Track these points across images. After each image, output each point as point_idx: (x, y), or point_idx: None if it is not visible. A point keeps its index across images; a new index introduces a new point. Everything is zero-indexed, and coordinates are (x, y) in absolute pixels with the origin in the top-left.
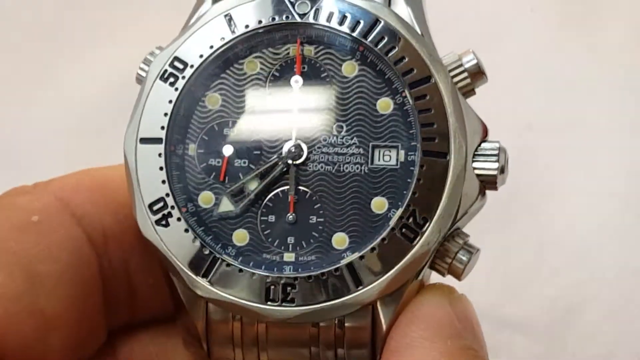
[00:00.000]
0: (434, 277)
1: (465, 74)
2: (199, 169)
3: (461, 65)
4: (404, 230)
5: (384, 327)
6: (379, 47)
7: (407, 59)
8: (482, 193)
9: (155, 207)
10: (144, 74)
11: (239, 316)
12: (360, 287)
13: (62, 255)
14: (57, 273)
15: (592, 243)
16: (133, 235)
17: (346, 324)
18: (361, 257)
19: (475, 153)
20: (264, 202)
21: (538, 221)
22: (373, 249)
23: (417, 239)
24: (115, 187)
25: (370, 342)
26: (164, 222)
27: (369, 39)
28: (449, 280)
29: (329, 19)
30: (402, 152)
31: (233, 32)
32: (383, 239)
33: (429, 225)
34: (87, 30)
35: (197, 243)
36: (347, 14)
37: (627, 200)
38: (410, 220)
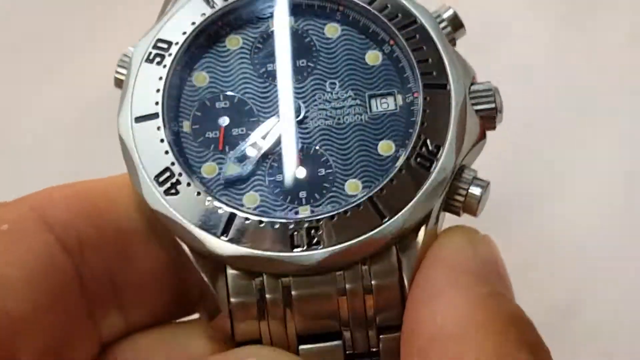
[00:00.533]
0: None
1: (445, 23)
2: (196, 144)
3: (439, 14)
4: (418, 159)
5: (409, 272)
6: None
7: (390, 7)
8: (482, 131)
9: (161, 178)
10: (124, 71)
11: (262, 292)
12: (386, 220)
13: (31, 260)
14: (25, 277)
15: (592, 243)
16: (114, 241)
17: (372, 271)
18: (381, 190)
19: (470, 91)
20: (269, 162)
21: (538, 221)
22: (391, 180)
23: (434, 165)
24: (93, 195)
25: (398, 287)
26: (173, 191)
27: None
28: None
29: None
30: (399, 97)
31: (212, 7)
32: (400, 170)
33: (442, 152)
34: (87, 31)
35: (212, 203)
36: None
37: (627, 200)
38: (424, 149)
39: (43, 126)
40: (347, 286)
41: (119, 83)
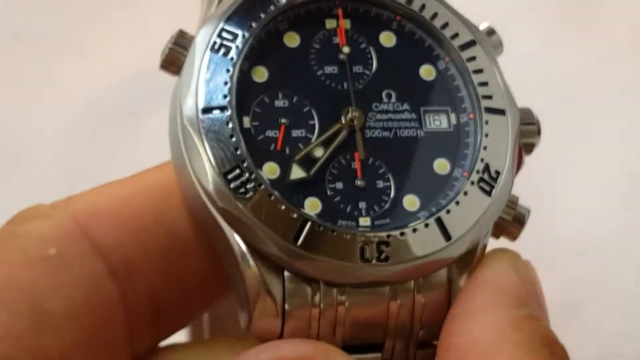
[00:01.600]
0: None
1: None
2: (257, 141)
3: (485, 32)
4: (481, 183)
5: (457, 291)
6: (422, 12)
7: (451, 24)
8: (522, 155)
9: (230, 176)
10: (176, 56)
11: (318, 297)
12: (451, 240)
13: (76, 292)
14: (67, 312)
15: (592, 242)
16: (158, 259)
17: (423, 300)
18: (448, 211)
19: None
20: (329, 169)
21: (538, 220)
22: (457, 202)
23: (494, 191)
24: (136, 209)
25: (446, 304)
26: (242, 190)
27: (412, 6)
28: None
29: None
30: (452, 115)
31: (277, 3)
32: (465, 193)
33: (501, 177)
34: (87, 30)
35: (284, 207)
36: None
37: (627, 200)
38: (485, 174)
39: (43, 126)
40: (399, 300)
41: (172, 61)
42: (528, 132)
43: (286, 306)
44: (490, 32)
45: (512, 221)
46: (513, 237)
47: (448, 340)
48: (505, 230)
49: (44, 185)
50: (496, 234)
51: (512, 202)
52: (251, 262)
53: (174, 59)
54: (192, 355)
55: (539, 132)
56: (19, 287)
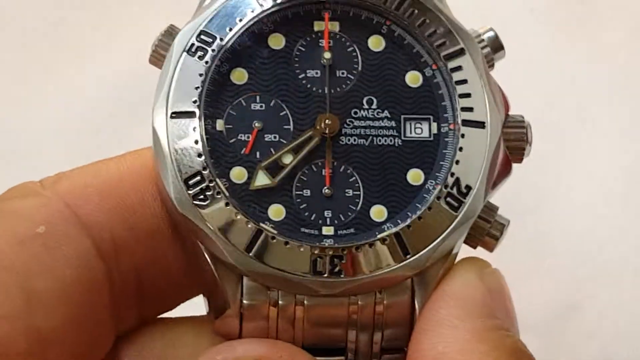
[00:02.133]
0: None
1: (488, 48)
2: (228, 144)
3: (479, 34)
4: (448, 199)
5: (421, 301)
6: (410, 19)
7: (439, 32)
8: (509, 166)
9: (191, 182)
10: (162, 52)
11: (275, 298)
12: (409, 256)
13: (65, 271)
14: (58, 290)
15: (592, 242)
16: (144, 240)
17: (385, 302)
18: (408, 227)
19: (504, 125)
20: (298, 176)
21: (538, 220)
22: (419, 217)
23: (462, 207)
24: (125, 189)
25: (409, 323)
26: (201, 197)
27: (401, 11)
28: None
29: None
30: (434, 125)
31: (261, 5)
32: (429, 208)
33: (472, 193)
34: (87, 30)
35: (239, 217)
36: None
37: (627, 200)
38: (454, 189)
39: (43, 126)
40: (360, 303)
41: (155, 62)
42: (517, 141)
43: (243, 304)
44: (491, 35)
45: (489, 232)
46: (489, 248)
47: (415, 354)
48: (482, 241)
49: None
50: (472, 244)
51: (491, 213)
52: (211, 265)
53: (159, 55)
54: (168, 336)
55: (529, 141)
56: (8, 266)
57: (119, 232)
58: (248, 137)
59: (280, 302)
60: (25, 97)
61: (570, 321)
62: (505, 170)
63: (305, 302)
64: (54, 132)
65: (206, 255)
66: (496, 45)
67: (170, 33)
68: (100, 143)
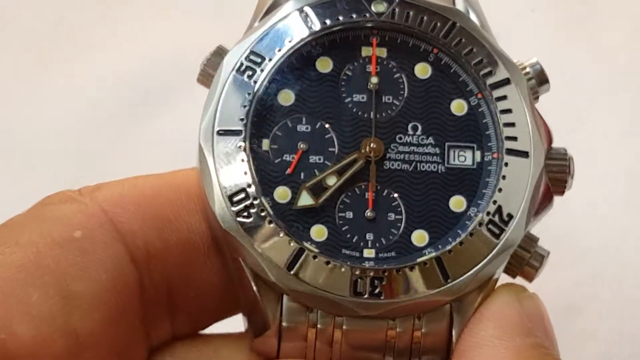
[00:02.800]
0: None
1: (533, 81)
2: (273, 164)
3: (525, 66)
4: (490, 226)
5: (459, 328)
6: (457, 47)
7: (485, 61)
8: (551, 197)
9: (236, 198)
10: (211, 71)
11: (314, 320)
12: (449, 281)
13: (101, 275)
14: (94, 293)
15: (592, 242)
16: (177, 252)
17: (423, 329)
18: (449, 251)
19: (547, 157)
20: (341, 198)
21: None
22: (461, 243)
23: (503, 234)
24: (161, 202)
25: (446, 350)
26: (245, 214)
27: (448, 40)
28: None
29: (406, 20)
30: (477, 153)
31: (310, 28)
32: (470, 234)
33: (513, 222)
34: (87, 30)
35: (282, 235)
36: (424, 16)
37: (627, 200)
38: (496, 216)
39: (44, 126)
40: (398, 329)
41: (203, 81)
42: (559, 173)
43: (282, 324)
44: (536, 68)
45: (529, 262)
46: (529, 278)
47: None
48: (522, 270)
49: (45, 185)
50: (512, 274)
51: (531, 243)
52: (252, 282)
53: (208, 75)
54: (205, 351)
55: (571, 174)
56: (46, 268)
57: (152, 241)
58: (293, 158)
59: (319, 324)
60: (25, 97)
61: (570, 321)
62: (547, 202)
63: (344, 324)
64: (54, 132)
65: (247, 273)
66: (541, 79)
67: (219, 53)
68: (100, 143)
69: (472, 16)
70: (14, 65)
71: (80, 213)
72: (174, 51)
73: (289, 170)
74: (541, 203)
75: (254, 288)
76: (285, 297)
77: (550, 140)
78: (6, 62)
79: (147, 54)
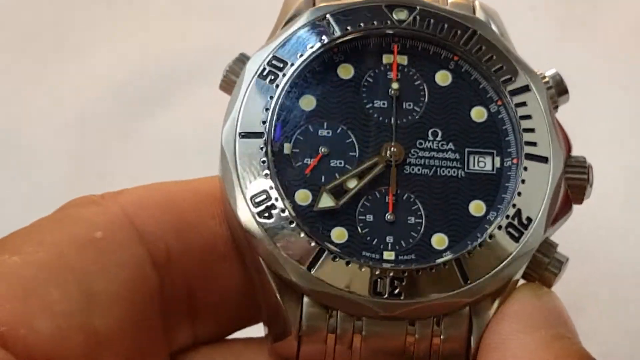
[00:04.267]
0: None
1: (550, 85)
2: (294, 167)
3: (545, 76)
4: (509, 229)
5: (478, 332)
6: (477, 55)
7: (505, 68)
8: (570, 205)
9: (257, 199)
10: (233, 77)
11: (334, 324)
12: (469, 282)
13: (121, 274)
14: (114, 292)
15: (593, 242)
16: (198, 256)
17: (442, 335)
18: (469, 253)
19: (566, 165)
20: (362, 201)
21: None
22: (480, 245)
23: (522, 237)
24: (183, 206)
25: (465, 355)
26: (266, 214)
27: (469, 47)
28: None
29: (427, 27)
30: (497, 159)
31: (331, 34)
32: (490, 236)
33: (533, 225)
34: (86, 30)
35: (303, 235)
36: (445, 24)
37: (627, 200)
38: (516, 220)
39: (43, 126)
40: (417, 335)
41: (226, 87)
42: (578, 181)
43: (302, 329)
44: (556, 78)
45: (547, 267)
46: (548, 283)
47: None
48: (540, 275)
49: (44, 184)
50: (531, 279)
51: (550, 249)
52: (272, 284)
53: (230, 81)
54: (227, 355)
55: (590, 182)
56: (68, 267)
57: (173, 245)
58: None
59: (338, 328)
60: (24, 97)
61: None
62: (566, 209)
63: (363, 329)
64: (52, 131)
65: (268, 274)
66: (561, 88)
67: (242, 60)
68: (99, 142)
69: (492, 26)
70: (13, 64)
71: (102, 215)
72: (173, 51)
73: (306, 171)
74: (560, 210)
75: (275, 289)
76: (305, 301)
77: (569, 148)
78: (6, 61)
79: (147, 54)
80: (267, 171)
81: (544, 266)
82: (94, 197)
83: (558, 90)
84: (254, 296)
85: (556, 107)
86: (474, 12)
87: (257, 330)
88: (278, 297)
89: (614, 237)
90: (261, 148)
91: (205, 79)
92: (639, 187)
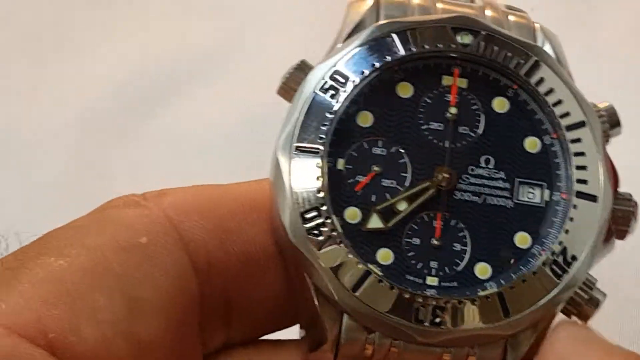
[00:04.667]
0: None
1: (607, 123)
2: (346, 184)
3: (599, 108)
4: (553, 266)
5: None
6: (537, 86)
7: (564, 102)
8: (612, 242)
9: (308, 216)
10: (293, 85)
11: (373, 338)
12: (509, 316)
13: (164, 281)
14: (157, 300)
15: None
16: (237, 263)
17: (478, 354)
18: (511, 287)
19: (614, 201)
20: (410, 224)
21: None
22: (524, 280)
23: (565, 275)
24: (224, 213)
25: None
26: (316, 232)
27: (531, 78)
28: None
29: (490, 53)
30: (546, 192)
31: (395, 53)
32: (534, 272)
33: (576, 264)
34: (86, 30)
35: (350, 256)
36: (507, 52)
37: None
38: (560, 257)
39: (42, 126)
40: (451, 356)
41: (284, 94)
42: (624, 218)
43: (340, 341)
44: (611, 111)
45: (585, 303)
46: (584, 319)
47: None
48: (577, 311)
49: (44, 185)
50: (567, 314)
51: (589, 285)
52: (315, 297)
53: (289, 88)
54: (257, 355)
55: (635, 218)
56: (112, 272)
57: (214, 251)
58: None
59: (376, 344)
60: (24, 97)
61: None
62: (608, 245)
63: (400, 347)
64: (53, 131)
65: (311, 289)
66: (614, 121)
67: (302, 68)
68: (100, 142)
69: (549, 50)
70: (12, 64)
71: (145, 218)
72: (173, 51)
73: (356, 187)
74: (607, 248)
75: (316, 304)
76: (345, 317)
77: (616, 184)
78: (5, 61)
79: (147, 54)
80: (320, 187)
81: (583, 303)
82: (136, 198)
83: (611, 123)
84: (292, 302)
85: (608, 140)
86: (535, 34)
87: (289, 333)
88: (319, 310)
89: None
90: (317, 165)
91: (205, 79)
92: (639, 187)
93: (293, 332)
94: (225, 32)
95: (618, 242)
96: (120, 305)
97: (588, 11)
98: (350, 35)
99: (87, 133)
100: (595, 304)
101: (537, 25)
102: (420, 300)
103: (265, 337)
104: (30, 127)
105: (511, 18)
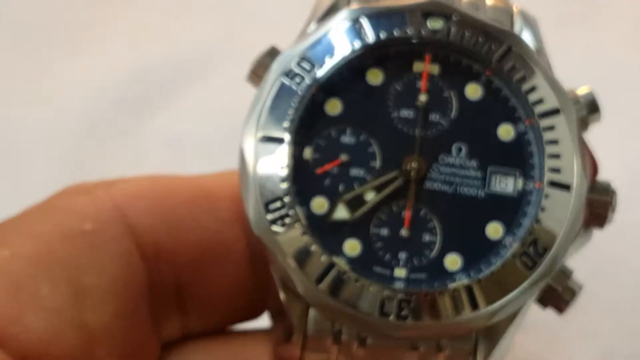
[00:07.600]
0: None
1: (584, 110)
2: (312, 173)
3: (578, 98)
4: (523, 258)
5: (483, 356)
6: (510, 72)
7: (537, 89)
8: (590, 231)
9: (271, 207)
10: (261, 72)
11: (340, 331)
12: (476, 310)
13: (110, 268)
14: (104, 286)
15: (592, 242)
16: (189, 251)
17: (447, 350)
18: (479, 280)
19: (590, 190)
20: (377, 214)
21: None
22: (492, 273)
23: (536, 268)
24: (177, 201)
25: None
26: (279, 223)
27: (502, 64)
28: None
29: (461, 39)
30: (519, 181)
31: (363, 40)
32: (503, 265)
33: (548, 255)
34: (84, 29)
35: (314, 247)
36: (479, 37)
37: (627, 199)
38: (531, 248)
39: (41, 126)
40: (421, 349)
41: (254, 79)
42: (600, 208)
43: (307, 334)
44: (588, 98)
45: (560, 294)
46: (560, 310)
47: None
48: (553, 302)
49: (42, 184)
50: (543, 304)
51: (564, 275)
52: (281, 290)
53: (257, 75)
54: (223, 348)
55: (613, 209)
56: (57, 260)
57: (163, 239)
58: (333, 168)
59: (343, 336)
60: (20, 97)
61: (570, 320)
62: (586, 235)
63: (367, 340)
64: (51, 131)
65: (276, 281)
66: (593, 108)
67: (271, 54)
68: (97, 142)
69: (528, 35)
70: (9, 64)
71: (91, 205)
72: (173, 51)
73: (318, 171)
74: (583, 239)
75: (282, 296)
76: (311, 313)
77: (595, 172)
78: (4, 62)
79: (146, 54)
80: (285, 177)
81: (557, 294)
82: (86, 186)
83: (589, 109)
84: (260, 292)
85: (585, 123)
86: (512, 18)
87: (262, 322)
88: (284, 302)
89: (614, 236)
90: (281, 153)
91: (205, 78)
92: (639, 187)
93: (266, 321)
94: (223, 32)
95: (618, 243)
96: (66, 293)
97: (588, 12)
98: (322, 19)
99: (86, 133)
100: (571, 294)
101: (515, 9)
102: (386, 292)
103: (238, 327)
104: (28, 127)
105: (488, 2)
